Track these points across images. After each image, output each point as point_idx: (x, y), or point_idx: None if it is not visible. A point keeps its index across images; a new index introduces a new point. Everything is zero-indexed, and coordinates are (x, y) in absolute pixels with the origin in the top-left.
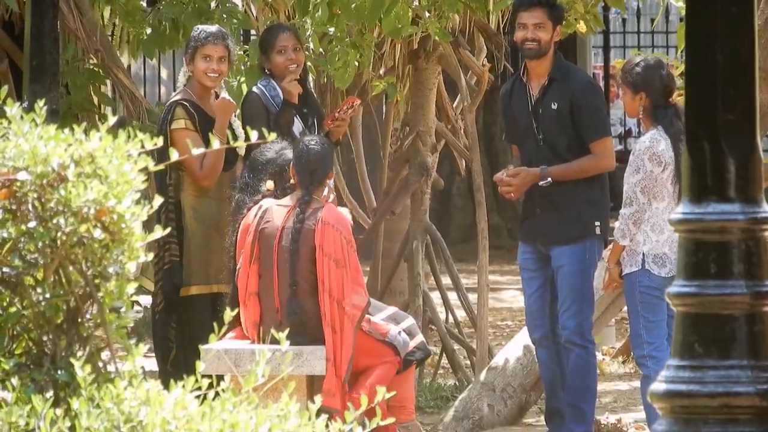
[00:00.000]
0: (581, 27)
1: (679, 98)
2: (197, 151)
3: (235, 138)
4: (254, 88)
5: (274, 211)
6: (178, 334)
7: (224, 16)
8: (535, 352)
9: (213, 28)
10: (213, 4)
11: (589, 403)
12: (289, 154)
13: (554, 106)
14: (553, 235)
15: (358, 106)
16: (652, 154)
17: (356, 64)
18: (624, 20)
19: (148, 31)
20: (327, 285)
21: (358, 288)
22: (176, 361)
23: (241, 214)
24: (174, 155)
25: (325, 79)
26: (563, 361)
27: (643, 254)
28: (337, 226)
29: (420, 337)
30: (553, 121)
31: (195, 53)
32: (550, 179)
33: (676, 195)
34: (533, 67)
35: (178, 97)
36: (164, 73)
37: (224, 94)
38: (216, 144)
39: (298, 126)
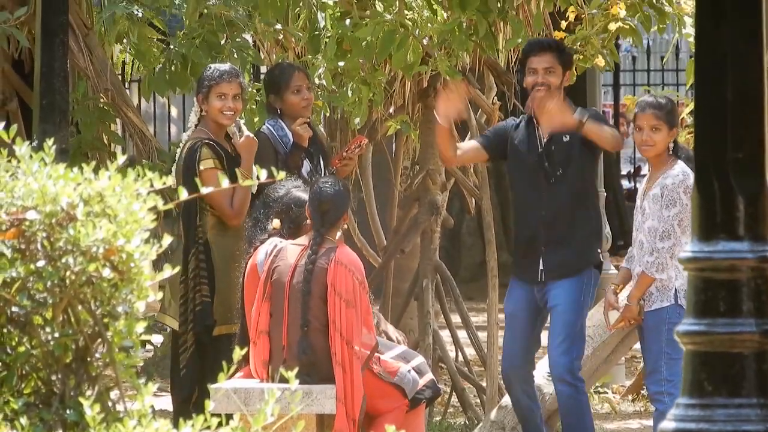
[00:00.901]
0: (599, 61)
1: (689, 136)
2: (225, 185)
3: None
4: (263, 128)
5: (288, 250)
6: (200, 376)
7: (234, 51)
8: (512, 394)
9: (226, 66)
10: (223, 41)
11: None
12: (296, 193)
13: (565, 139)
14: (557, 271)
15: (366, 145)
16: (686, 187)
17: (368, 102)
18: (634, 58)
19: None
20: (338, 325)
21: (368, 329)
22: (198, 402)
23: (250, 251)
24: (204, 190)
25: (338, 116)
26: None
27: (676, 289)
28: (350, 267)
29: (429, 376)
30: (564, 153)
31: (209, 92)
32: (585, 120)
33: None
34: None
35: (199, 137)
36: (174, 112)
37: (236, 131)
38: (242, 180)
39: (306, 166)
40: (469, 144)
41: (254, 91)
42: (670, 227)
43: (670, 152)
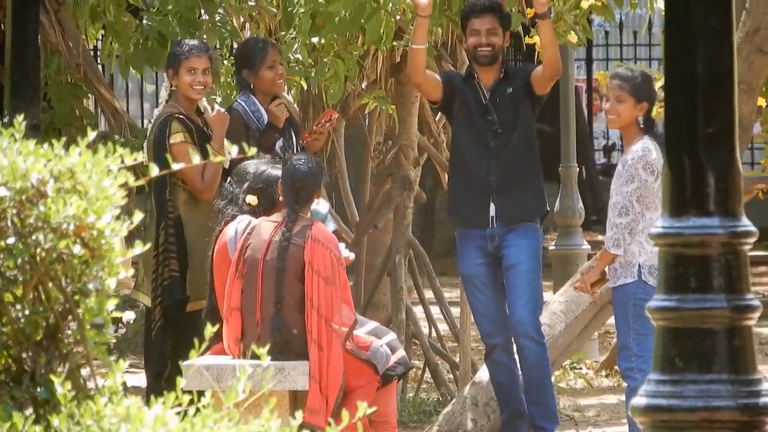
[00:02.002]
0: (572, 38)
1: (659, 111)
2: (198, 161)
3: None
4: (234, 104)
5: (261, 226)
6: (173, 350)
7: (212, 26)
8: (492, 358)
9: (195, 41)
10: (198, 17)
11: (553, 398)
12: (273, 171)
13: (509, 90)
14: (509, 217)
15: (336, 119)
16: (646, 163)
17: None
18: (607, 33)
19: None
20: (315, 302)
21: (346, 305)
22: (171, 377)
23: (220, 225)
24: (175, 166)
25: (311, 92)
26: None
27: (639, 265)
28: (326, 244)
29: (401, 352)
30: (509, 104)
31: (179, 67)
32: (549, 16)
33: None
34: (483, 73)
35: (169, 111)
36: (149, 88)
37: (207, 106)
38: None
39: (279, 143)
40: (430, 73)
41: (231, 66)
42: (629, 203)
43: (641, 126)
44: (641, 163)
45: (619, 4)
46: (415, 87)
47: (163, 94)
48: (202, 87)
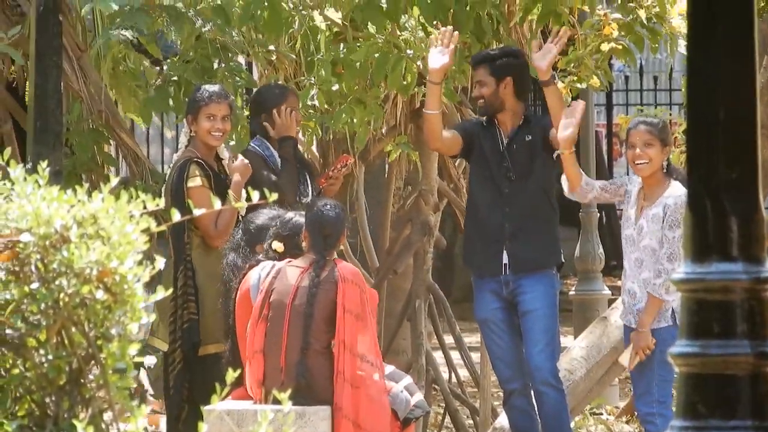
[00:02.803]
0: (594, 82)
1: (682, 156)
2: (217, 207)
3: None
4: (249, 147)
5: (287, 271)
6: (190, 394)
7: (227, 74)
8: (510, 404)
9: (215, 87)
10: (216, 63)
11: None
12: (301, 219)
13: (528, 138)
14: (522, 265)
15: (351, 164)
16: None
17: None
18: (627, 78)
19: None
20: (349, 342)
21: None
22: (189, 420)
23: (237, 275)
24: (196, 212)
25: (330, 137)
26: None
27: (673, 309)
28: (355, 281)
29: (419, 396)
30: (525, 152)
31: (198, 113)
32: (553, 83)
33: None
34: (503, 119)
35: (188, 156)
36: (168, 134)
37: (227, 154)
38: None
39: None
40: (447, 132)
41: (245, 114)
42: (676, 249)
43: (665, 171)
44: (684, 208)
45: (639, 48)
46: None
47: (183, 140)
48: (221, 134)
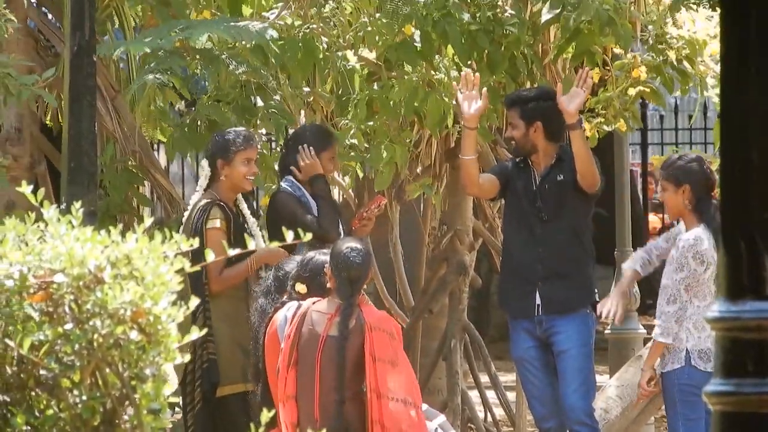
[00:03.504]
0: (621, 125)
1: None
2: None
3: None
4: (283, 187)
5: (313, 317)
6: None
7: (268, 113)
8: None
9: (243, 130)
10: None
11: None
12: (321, 257)
13: (559, 178)
14: (554, 306)
15: (385, 205)
16: (696, 253)
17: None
18: (662, 117)
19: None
20: (382, 390)
21: (410, 379)
22: None
23: (265, 318)
24: (210, 255)
25: (367, 178)
26: None
27: (687, 350)
28: (381, 327)
29: None
30: (557, 192)
31: (233, 157)
32: (579, 127)
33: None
34: (536, 158)
35: (211, 198)
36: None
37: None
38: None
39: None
40: (484, 176)
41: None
42: (677, 291)
43: (696, 209)
44: (691, 252)
45: (669, 89)
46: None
47: (202, 182)
48: (253, 177)
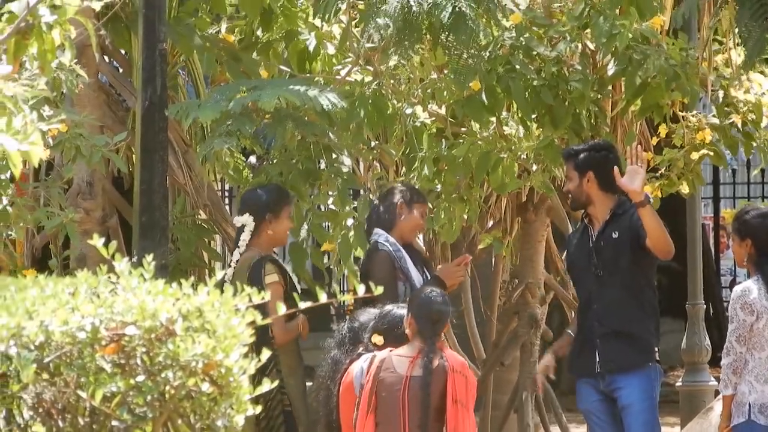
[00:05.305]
0: (683, 188)
1: None
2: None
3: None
4: (382, 245)
5: (394, 361)
6: None
7: (332, 176)
8: None
9: (282, 186)
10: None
11: None
12: (399, 311)
13: (615, 235)
14: (613, 363)
15: (470, 261)
16: (744, 304)
17: (464, 217)
18: (734, 171)
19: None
20: (459, 431)
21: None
22: None
23: (339, 370)
24: (282, 308)
25: (431, 234)
26: None
27: (749, 404)
28: (463, 372)
29: None
30: (612, 249)
31: (282, 212)
32: (647, 203)
33: None
34: (591, 213)
35: (259, 253)
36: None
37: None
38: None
39: (418, 277)
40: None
41: (354, 211)
42: (729, 343)
43: (754, 263)
44: (739, 303)
45: (733, 152)
46: None
47: (246, 237)
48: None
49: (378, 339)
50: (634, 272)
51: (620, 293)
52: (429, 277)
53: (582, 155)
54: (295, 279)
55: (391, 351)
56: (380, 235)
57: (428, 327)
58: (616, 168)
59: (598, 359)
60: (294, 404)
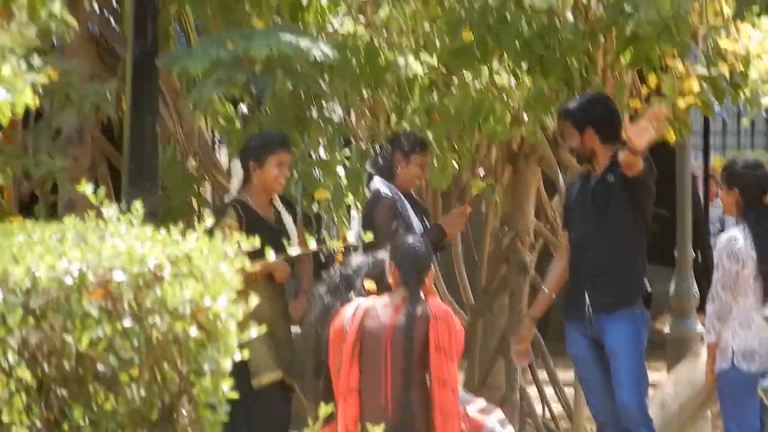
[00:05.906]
0: (670, 137)
1: None
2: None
3: (288, 236)
4: (383, 191)
5: (378, 309)
6: (252, 427)
7: (321, 123)
8: None
9: (279, 134)
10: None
11: None
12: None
13: (610, 179)
14: (603, 305)
15: (470, 212)
16: (730, 252)
17: (456, 165)
18: (724, 121)
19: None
20: (443, 378)
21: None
22: None
23: (331, 314)
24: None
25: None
26: None
27: (733, 351)
28: (446, 319)
29: (510, 429)
30: (604, 193)
31: (266, 159)
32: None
33: (759, 291)
34: (595, 163)
35: (237, 198)
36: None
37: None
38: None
39: (419, 226)
40: (559, 264)
41: (344, 159)
42: (715, 291)
43: (742, 213)
44: (725, 251)
45: (720, 101)
46: None
47: (235, 183)
48: (284, 181)
49: (371, 285)
50: (624, 214)
51: (610, 237)
52: (429, 226)
53: (579, 113)
54: (289, 223)
55: (376, 299)
56: (381, 183)
57: (411, 275)
58: (626, 118)
59: (588, 302)
60: (279, 350)
